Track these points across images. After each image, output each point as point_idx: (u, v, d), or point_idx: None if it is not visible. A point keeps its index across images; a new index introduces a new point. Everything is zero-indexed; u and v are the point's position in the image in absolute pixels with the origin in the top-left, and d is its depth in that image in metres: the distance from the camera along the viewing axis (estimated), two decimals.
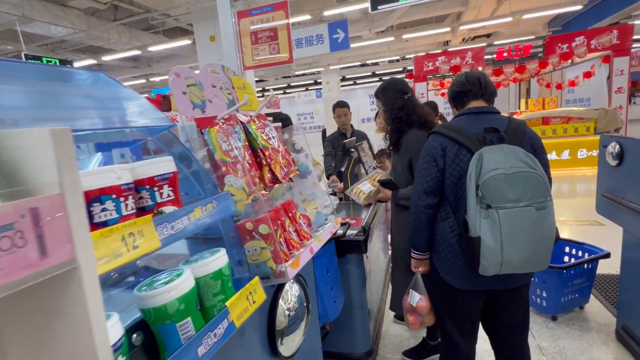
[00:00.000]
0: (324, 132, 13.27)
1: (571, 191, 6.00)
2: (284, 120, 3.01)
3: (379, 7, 4.10)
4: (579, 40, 6.93)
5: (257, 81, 15.03)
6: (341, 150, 2.64)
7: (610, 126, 6.67)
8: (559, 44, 7.13)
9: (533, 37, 10.44)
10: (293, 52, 6.65)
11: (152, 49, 8.44)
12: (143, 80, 12.86)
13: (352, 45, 8.99)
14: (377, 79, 17.38)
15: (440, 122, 2.39)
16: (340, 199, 2.68)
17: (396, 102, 1.87)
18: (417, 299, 1.61)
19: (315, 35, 6.48)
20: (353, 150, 2.65)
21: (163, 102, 8.14)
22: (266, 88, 17.46)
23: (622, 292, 2.26)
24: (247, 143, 0.69)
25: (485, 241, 1.23)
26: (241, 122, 0.72)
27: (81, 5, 6.99)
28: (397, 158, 1.95)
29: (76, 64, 9.74)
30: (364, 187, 2.09)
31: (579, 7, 8.45)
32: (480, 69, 7.72)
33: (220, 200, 0.59)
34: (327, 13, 6.95)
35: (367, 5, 3.96)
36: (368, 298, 2.18)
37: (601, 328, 2.41)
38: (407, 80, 11.44)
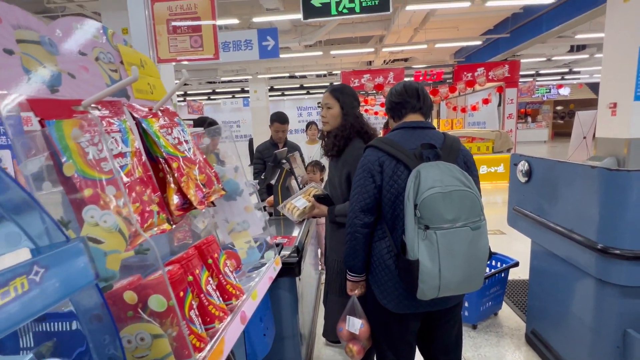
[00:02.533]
0: (250, 141, 12.85)
1: None
2: (211, 126, 2.64)
3: (312, 18, 4.03)
4: (480, 71, 7.92)
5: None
6: (272, 161, 2.42)
7: (504, 146, 7.68)
8: (465, 72, 8.04)
9: (443, 64, 11.68)
10: (220, 55, 6.25)
11: None
12: None
13: (281, 56, 8.88)
14: (304, 91, 17.63)
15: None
16: (270, 214, 2.45)
17: (354, 109, 1.77)
18: (358, 325, 1.48)
19: (244, 40, 6.18)
20: (285, 161, 2.45)
21: None
22: (188, 92, 16.31)
23: (530, 298, 2.44)
24: (139, 148, 0.42)
25: (424, 264, 1.16)
26: (133, 116, 0.45)
27: None
28: (335, 170, 1.82)
29: None
30: (298, 203, 1.90)
31: (478, 43, 9.74)
32: None
33: (55, 262, 0.28)
34: (256, 19, 6.70)
35: (296, 16, 3.87)
36: (300, 324, 1.97)
37: (513, 333, 2.58)
38: None
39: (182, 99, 16.81)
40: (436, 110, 12.72)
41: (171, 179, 0.45)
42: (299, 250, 1.77)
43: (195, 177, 0.48)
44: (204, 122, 2.58)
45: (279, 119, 3.27)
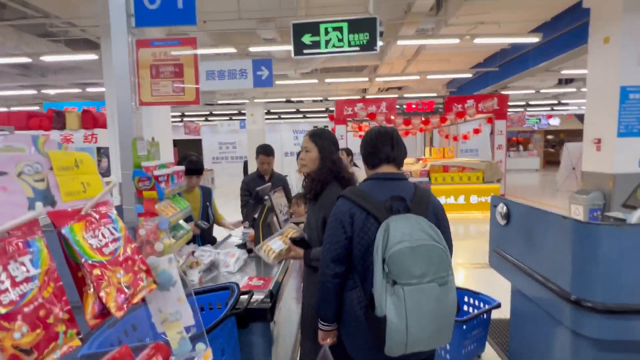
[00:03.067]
0: (245, 163, 12.87)
1: (465, 233, 6.67)
2: (194, 164, 2.66)
3: (304, 52, 4.16)
4: (470, 103, 8.12)
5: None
6: (253, 198, 2.43)
7: (494, 177, 7.76)
8: (455, 104, 8.24)
9: (435, 94, 11.98)
10: (215, 83, 6.38)
11: (47, 58, 7.24)
12: (33, 92, 10.94)
13: (277, 83, 9.05)
14: (301, 115, 17.87)
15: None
16: (250, 251, 2.43)
17: (332, 154, 1.81)
18: None
19: (239, 69, 6.34)
20: (266, 198, 2.46)
21: (55, 119, 6.94)
22: (186, 114, 16.50)
23: (512, 342, 2.41)
24: (52, 265, 0.42)
25: (391, 320, 1.16)
26: (55, 225, 0.45)
27: None
28: (312, 212, 1.83)
29: None
30: (275, 245, 1.90)
31: (469, 75, 10.03)
32: (392, 117, 8.42)
33: None
34: (252, 49, 6.90)
35: (291, 47, 4.01)
36: None
37: None
38: (329, 120, 11.71)
39: (179, 119, 16.96)
40: (429, 138, 12.92)
41: (90, 287, 0.46)
42: (273, 295, 1.75)
43: (118, 280, 0.48)
44: (183, 160, 2.59)
45: (264, 152, 3.30)
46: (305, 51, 3.88)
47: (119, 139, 1.78)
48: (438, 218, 1.40)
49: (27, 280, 0.39)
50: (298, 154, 5.21)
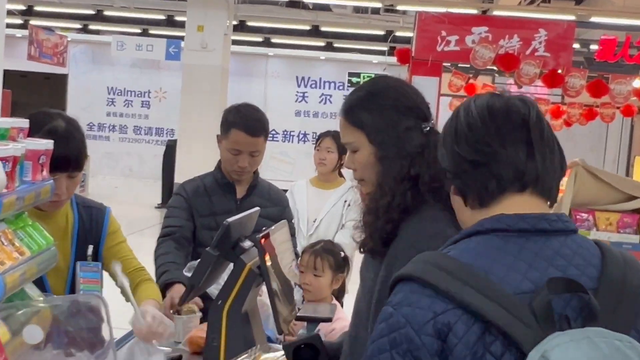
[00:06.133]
0: (169, 147, 13.16)
1: None
2: (63, 143, 2.66)
3: None
4: None
5: None
6: (215, 244, 2.39)
7: None
8: None
9: None
10: None
11: None
12: None
13: None
14: (322, 43, 18.14)
15: None
16: None
17: (406, 136, 1.93)
18: None
19: None
20: (248, 245, 2.42)
21: None
22: (37, 9, 17.04)
23: None
24: None
25: None
26: None
27: None
28: (369, 269, 2.01)
29: None
30: None
31: None
32: (560, 71, 8.36)
33: None
34: None
35: None
36: None
37: None
38: (396, 62, 11.91)
39: (20, 21, 17.49)
40: (629, 132, 12.86)
41: None
42: None
43: None
44: (41, 126, 2.55)
45: (244, 125, 3.47)
46: None
47: None
48: None
49: None
50: (317, 140, 5.27)
